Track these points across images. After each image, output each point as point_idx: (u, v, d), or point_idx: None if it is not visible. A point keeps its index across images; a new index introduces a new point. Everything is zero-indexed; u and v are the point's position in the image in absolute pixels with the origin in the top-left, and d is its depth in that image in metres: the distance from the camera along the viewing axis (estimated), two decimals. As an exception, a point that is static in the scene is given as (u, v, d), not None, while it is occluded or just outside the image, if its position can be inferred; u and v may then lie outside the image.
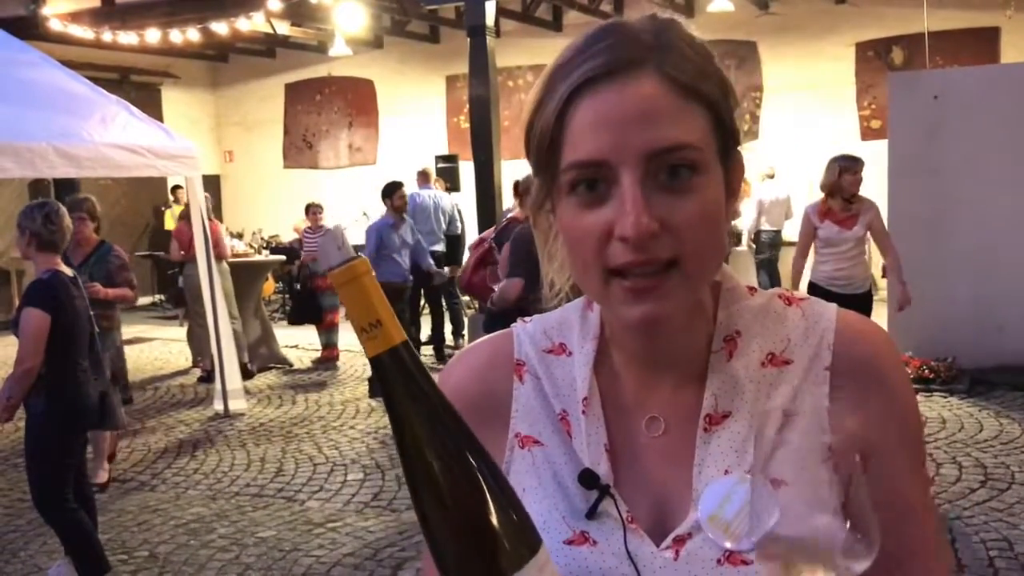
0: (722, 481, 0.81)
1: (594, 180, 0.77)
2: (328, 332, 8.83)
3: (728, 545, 0.79)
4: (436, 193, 9.56)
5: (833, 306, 0.89)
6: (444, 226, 9.41)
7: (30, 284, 3.97)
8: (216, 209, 9.21)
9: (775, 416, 0.83)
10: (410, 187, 9.80)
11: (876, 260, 6.22)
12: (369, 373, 8.44)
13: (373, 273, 0.63)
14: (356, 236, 12.20)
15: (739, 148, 0.83)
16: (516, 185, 6.75)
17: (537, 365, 0.90)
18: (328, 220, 9.43)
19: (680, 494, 0.83)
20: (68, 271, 4.10)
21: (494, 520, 0.63)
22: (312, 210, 9.44)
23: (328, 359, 8.86)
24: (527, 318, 0.95)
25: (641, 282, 0.76)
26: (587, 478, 0.83)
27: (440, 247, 9.16)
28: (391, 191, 8.02)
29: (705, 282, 0.84)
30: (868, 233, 5.67)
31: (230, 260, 8.44)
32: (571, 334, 0.91)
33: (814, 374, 0.85)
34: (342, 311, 9.83)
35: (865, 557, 0.68)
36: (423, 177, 9.56)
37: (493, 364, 0.92)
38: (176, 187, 12.39)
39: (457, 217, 9.72)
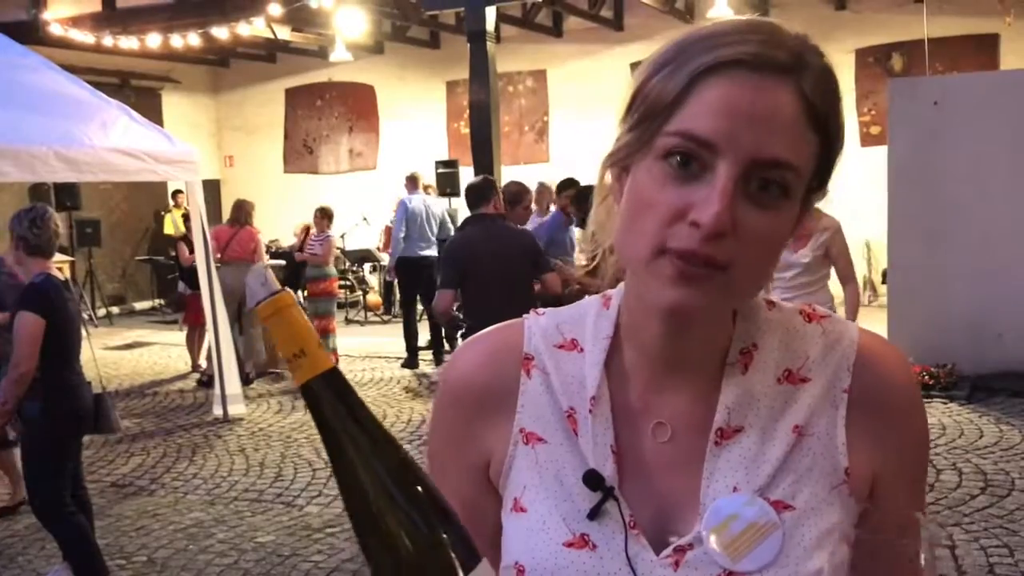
0: (730, 498, 0.80)
1: (691, 157, 0.75)
2: (324, 338, 8.82)
3: (728, 564, 0.78)
4: (426, 198, 9.49)
5: (854, 325, 0.88)
6: (435, 231, 9.26)
7: (24, 288, 3.96)
8: (216, 214, 9.22)
9: (785, 434, 0.82)
10: (401, 192, 9.82)
11: (878, 265, 6.20)
12: (367, 377, 8.43)
13: (298, 305, 0.65)
14: (355, 241, 12.25)
15: (817, 199, 0.82)
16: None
17: (547, 360, 0.88)
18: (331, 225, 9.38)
19: (685, 504, 0.82)
20: (60, 275, 4.11)
21: (426, 541, 0.63)
22: (321, 213, 9.30)
23: None
24: (540, 310, 0.93)
25: (691, 269, 0.74)
26: (592, 479, 0.82)
27: (431, 252, 9.01)
28: (565, 188, 7.31)
29: (740, 301, 0.83)
30: (831, 258, 4.79)
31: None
32: (584, 330, 0.89)
33: (832, 395, 0.83)
34: (338, 316, 9.83)
35: None
36: (411, 182, 9.50)
37: (500, 355, 0.90)
38: (176, 192, 12.40)
39: (448, 222, 9.60)
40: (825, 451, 0.82)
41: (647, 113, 0.78)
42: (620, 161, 0.82)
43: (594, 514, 0.82)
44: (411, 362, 8.79)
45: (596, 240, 0.90)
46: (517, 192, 6.20)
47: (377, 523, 0.64)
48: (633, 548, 0.80)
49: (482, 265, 4.79)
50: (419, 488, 0.65)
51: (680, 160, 0.75)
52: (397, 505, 0.64)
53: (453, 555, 0.64)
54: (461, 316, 5.19)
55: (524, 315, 0.93)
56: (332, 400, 0.64)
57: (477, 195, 5.13)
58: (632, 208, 0.79)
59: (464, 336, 5.14)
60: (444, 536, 0.64)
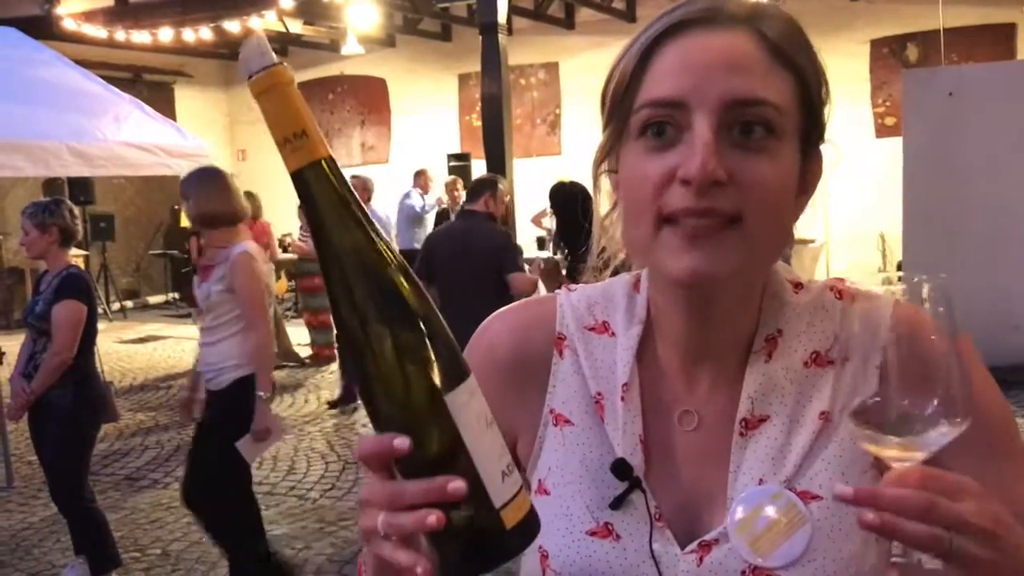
0: (756, 491, 0.78)
1: (664, 124, 0.73)
2: (322, 332, 8.82)
3: (755, 560, 0.76)
4: (413, 194, 9.61)
5: (889, 299, 0.82)
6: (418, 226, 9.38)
7: (64, 277, 3.98)
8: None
9: (812, 421, 0.80)
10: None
11: (893, 257, 6.04)
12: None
13: (296, 82, 0.60)
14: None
15: (822, 145, 0.79)
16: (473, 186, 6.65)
17: (577, 341, 0.87)
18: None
19: (711, 497, 0.80)
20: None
21: (422, 338, 0.61)
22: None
23: (319, 356, 8.89)
24: (572, 286, 0.91)
25: (698, 224, 0.72)
26: (620, 468, 0.81)
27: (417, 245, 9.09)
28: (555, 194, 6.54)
29: (764, 254, 0.78)
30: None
31: (276, 259, 8.87)
32: (616, 313, 0.87)
33: (863, 374, 0.78)
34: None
35: (951, 425, 0.64)
36: (414, 178, 9.65)
37: (533, 330, 0.89)
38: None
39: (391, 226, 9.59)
40: (854, 436, 0.79)
41: (615, 101, 0.77)
42: (606, 157, 0.81)
43: (618, 504, 0.80)
44: None
45: (607, 250, 0.88)
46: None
47: (362, 321, 0.61)
48: (658, 541, 0.79)
49: (446, 262, 4.77)
50: (410, 291, 0.62)
51: (655, 130, 0.74)
52: (382, 302, 0.61)
53: (436, 361, 0.61)
54: None
55: (556, 291, 0.92)
56: (329, 189, 0.60)
57: (471, 191, 5.16)
58: (626, 195, 0.77)
59: None
60: (428, 342, 0.61)
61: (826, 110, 0.79)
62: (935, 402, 0.64)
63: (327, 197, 0.60)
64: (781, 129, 0.74)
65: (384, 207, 12.38)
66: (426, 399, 0.61)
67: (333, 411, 7.15)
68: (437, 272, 4.77)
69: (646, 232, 0.75)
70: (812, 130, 0.78)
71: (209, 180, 3.73)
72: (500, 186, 5.03)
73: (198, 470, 3.76)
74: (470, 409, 0.62)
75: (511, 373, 0.88)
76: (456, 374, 0.62)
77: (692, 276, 0.73)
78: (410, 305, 0.61)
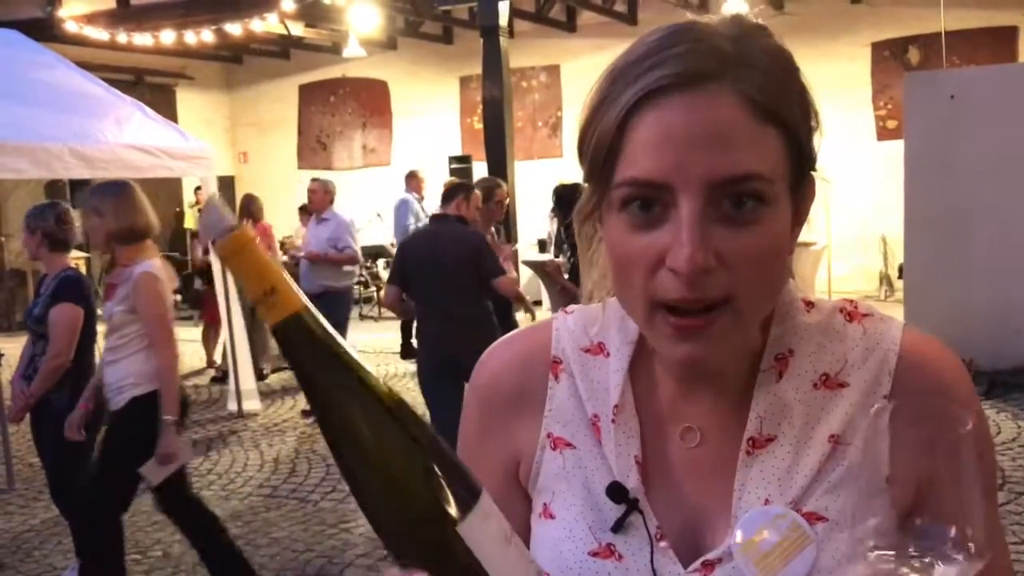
0: (760, 511, 0.77)
1: (650, 200, 0.71)
2: None
3: None
4: (406, 197, 9.58)
5: (898, 324, 0.83)
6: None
7: (61, 280, 4.00)
8: (231, 210, 9.25)
9: (821, 444, 0.79)
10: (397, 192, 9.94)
11: (895, 260, 6.06)
12: (380, 372, 8.42)
13: (258, 240, 0.61)
14: (369, 237, 12.25)
15: (812, 172, 0.77)
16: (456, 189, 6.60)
17: (573, 364, 0.87)
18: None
19: (715, 515, 0.80)
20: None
21: (427, 472, 0.61)
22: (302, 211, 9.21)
23: None
24: (570, 307, 0.91)
25: (687, 320, 0.71)
26: (615, 491, 0.80)
27: None
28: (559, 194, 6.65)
29: (757, 322, 0.78)
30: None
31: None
32: (611, 333, 0.87)
33: (871, 402, 0.78)
34: (352, 312, 9.84)
35: (972, 561, 0.62)
36: (406, 180, 9.64)
37: (528, 358, 0.89)
38: (199, 188, 12.45)
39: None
40: (862, 462, 0.77)
41: (594, 163, 0.75)
42: (590, 216, 0.79)
43: (618, 527, 0.80)
44: (407, 352, 8.84)
45: (596, 296, 0.88)
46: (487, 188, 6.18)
47: (363, 466, 0.61)
48: (659, 561, 0.79)
49: (418, 267, 4.70)
50: (407, 427, 0.62)
51: (640, 206, 0.72)
52: (378, 445, 0.61)
53: (444, 493, 0.61)
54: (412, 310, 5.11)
55: (554, 315, 0.92)
56: (312, 338, 0.61)
57: (444, 195, 5.09)
58: (615, 266, 0.76)
59: (417, 333, 5.08)
60: (432, 476, 0.61)
61: (816, 138, 0.76)
62: (953, 533, 0.63)
63: (306, 349, 0.61)
64: (773, 197, 0.71)
65: (383, 210, 12.44)
66: (439, 534, 0.61)
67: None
68: (411, 278, 4.72)
69: (641, 312, 0.74)
70: (802, 167, 0.76)
71: (123, 195, 3.63)
72: (475, 191, 4.98)
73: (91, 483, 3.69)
74: (486, 533, 0.62)
75: (512, 402, 0.89)
76: (466, 499, 0.62)
77: (687, 361, 0.75)
78: (408, 444, 0.62)
